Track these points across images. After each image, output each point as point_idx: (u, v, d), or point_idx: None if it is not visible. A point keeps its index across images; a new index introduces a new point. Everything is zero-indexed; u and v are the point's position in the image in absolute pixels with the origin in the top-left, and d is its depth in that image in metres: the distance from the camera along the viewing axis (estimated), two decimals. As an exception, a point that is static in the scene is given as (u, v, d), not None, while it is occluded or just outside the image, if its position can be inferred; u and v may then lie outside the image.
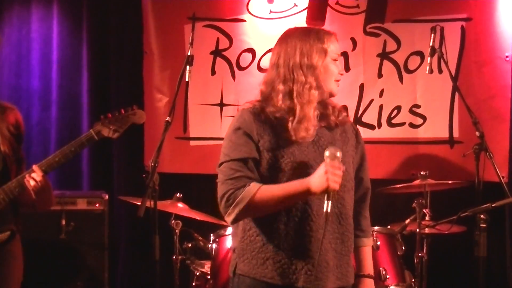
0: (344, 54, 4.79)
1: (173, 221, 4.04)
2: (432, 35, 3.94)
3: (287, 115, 2.47)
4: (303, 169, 2.44)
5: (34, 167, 3.00)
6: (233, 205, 2.42)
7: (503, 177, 3.56)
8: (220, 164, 2.50)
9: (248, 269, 2.53)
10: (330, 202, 2.34)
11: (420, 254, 4.10)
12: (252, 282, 2.52)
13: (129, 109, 3.15)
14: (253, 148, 2.47)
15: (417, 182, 4.25)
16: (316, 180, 2.34)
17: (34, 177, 2.96)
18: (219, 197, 2.47)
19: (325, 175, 2.32)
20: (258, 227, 2.51)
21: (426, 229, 4.06)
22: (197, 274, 4.03)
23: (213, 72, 4.99)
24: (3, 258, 3.07)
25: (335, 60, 2.56)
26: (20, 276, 3.16)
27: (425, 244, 4.16)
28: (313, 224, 2.46)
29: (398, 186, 4.28)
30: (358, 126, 4.29)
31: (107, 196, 4.46)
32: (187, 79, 3.47)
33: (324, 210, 2.35)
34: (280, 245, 2.47)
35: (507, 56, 4.70)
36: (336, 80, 2.57)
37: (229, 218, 2.46)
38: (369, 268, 2.70)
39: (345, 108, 2.76)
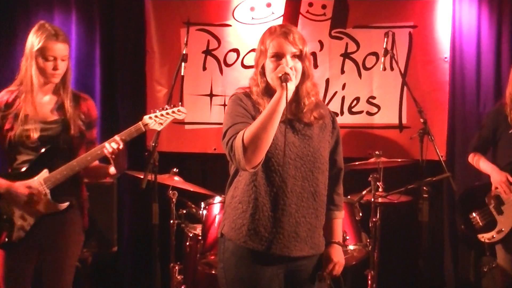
0: (313, 54, 4.81)
1: (170, 192, 4.06)
2: (385, 39, 3.97)
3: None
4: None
5: (116, 136, 2.94)
6: (235, 154, 2.31)
7: (442, 156, 3.62)
8: (224, 134, 2.41)
9: (228, 230, 2.51)
10: (285, 84, 2.29)
11: (374, 219, 4.15)
12: (232, 244, 2.49)
13: (173, 105, 3.06)
14: (250, 117, 2.43)
15: (372, 160, 4.29)
16: (275, 83, 2.35)
17: (112, 145, 2.90)
18: (228, 156, 2.38)
19: (275, 74, 2.34)
20: (241, 196, 2.48)
21: (379, 198, 4.12)
22: (190, 235, 4.06)
23: (204, 68, 4.98)
24: (61, 224, 3.03)
25: (273, 57, 2.42)
26: (80, 240, 3.13)
27: (378, 211, 4.19)
28: (287, 199, 2.44)
29: (357, 163, 4.31)
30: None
31: (115, 171, 4.43)
32: (182, 74, 3.47)
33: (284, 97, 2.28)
34: (256, 215, 2.44)
35: (445, 57, 4.75)
36: (278, 77, 2.33)
37: (245, 166, 2.30)
38: (338, 237, 2.68)
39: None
